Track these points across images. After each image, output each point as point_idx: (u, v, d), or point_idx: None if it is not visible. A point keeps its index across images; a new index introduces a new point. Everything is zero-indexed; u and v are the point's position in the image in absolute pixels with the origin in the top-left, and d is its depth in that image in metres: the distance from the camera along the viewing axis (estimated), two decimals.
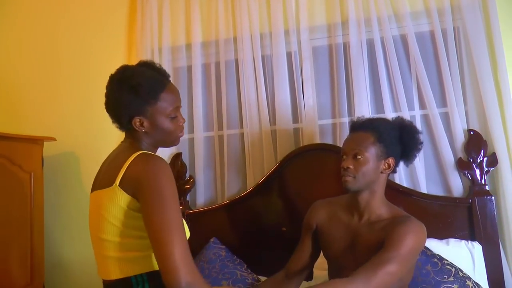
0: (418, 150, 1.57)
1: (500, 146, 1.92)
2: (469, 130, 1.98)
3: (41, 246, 2.24)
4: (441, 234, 1.89)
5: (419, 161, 2.00)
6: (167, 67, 2.34)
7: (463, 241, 1.86)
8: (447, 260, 1.72)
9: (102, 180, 1.24)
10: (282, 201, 2.12)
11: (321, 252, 1.67)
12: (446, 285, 1.63)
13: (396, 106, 2.08)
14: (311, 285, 1.36)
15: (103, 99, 1.28)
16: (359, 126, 1.55)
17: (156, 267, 1.12)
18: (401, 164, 1.65)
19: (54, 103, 2.55)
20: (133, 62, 2.37)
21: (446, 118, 2.03)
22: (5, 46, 2.67)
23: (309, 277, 1.90)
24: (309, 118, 2.16)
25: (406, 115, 2.03)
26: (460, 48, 2.07)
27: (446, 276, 1.66)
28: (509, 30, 2.01)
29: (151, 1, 2.37)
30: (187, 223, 2.15)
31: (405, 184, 2.01)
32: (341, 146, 2.05)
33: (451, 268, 1.69)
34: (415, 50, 2.05)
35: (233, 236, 2.16)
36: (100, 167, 1.31)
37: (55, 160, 2.47)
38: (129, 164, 1.17)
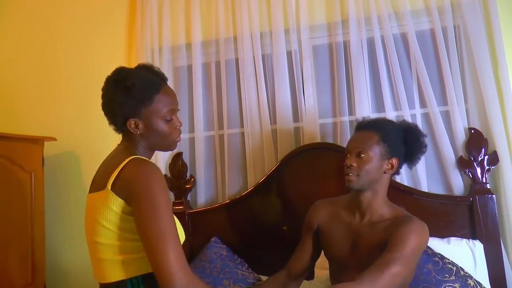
0: (422, 153, 1.57)
1: (501, 144, 1.91)
2: (470, 129, 1.98)
3: (42, 246, 2.24)
4: (442, 232, 1.89)
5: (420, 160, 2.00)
6: (167, 66, 2.35)
7: (464, 240, 1.86)
8: (448, 259, 1.72)
9: (97, 183, 1.24)
10: (283, 200, 2.12)
11: (322, 251, 1.67)
12: (447, 284, 1.63)
13: (396, 105, 2.08)
14: None
15: None
16: (364, 126, 1.56)
17: (151, 269, 1.13)
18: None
19: (54, 103, 2.55)
20: (133, 61, 2.40)
21: (447, 117, 2.02)
22: (5, 46, 2.67)
23: (310, 276, 1.90)
24: (310, 117, 2.16)
25: (406, 113, 2.02)
26: (461, 46, 2.06)
27: (447, 275, 1.65)
28: (510, 28, 2.00)
29: (151, 1, 2.37)
30: (188, 222, 2.20)
31: (406, 183, 2.01)
32: (341, 145, 2.08)
33: (452, 267, 1.69)
34: (415, 48, 2.04)
35: (234, 236, 2.16)
36: (98, 169, 1.31)
37: (56, 160, 2.47)
38: (122, 168, 1.17)
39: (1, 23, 2.69)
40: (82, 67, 2.52)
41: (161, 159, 2.28)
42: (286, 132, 2.17)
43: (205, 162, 2.29)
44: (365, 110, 2.06)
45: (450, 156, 1.98)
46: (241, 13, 2.25)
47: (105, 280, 1.20)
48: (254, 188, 2.14)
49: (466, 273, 1.69)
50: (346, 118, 2.13)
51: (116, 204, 1.15)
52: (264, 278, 1.91)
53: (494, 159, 1.93)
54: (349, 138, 2.08)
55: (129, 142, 1.28)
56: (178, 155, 2.29)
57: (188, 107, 2.34)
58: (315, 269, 1.88)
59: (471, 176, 1.95)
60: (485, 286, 1.70)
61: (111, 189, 1.15)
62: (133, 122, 1.23)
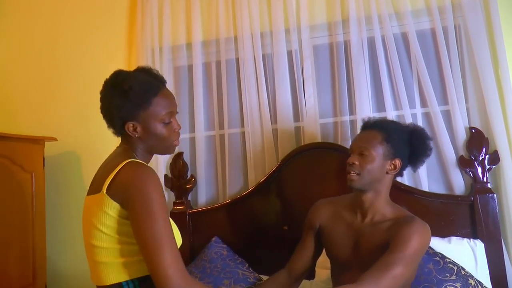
0: (427, 156, 1.57)
1: (501, 143, 1.91)
2: (471, 128, 1.98)
3: (43, 246, 2.24)
4: (443, 232, 1.89)
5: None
6: (167, 66, 2.35)
7: (465, 239, 1.86)
8: (449, 259, 1.72)
9: (94, 186, 1.24)
10: (284, 200, 2.12)
11: (323, 250, 1.67)
12: (448, 283, 1.63)
13: (397, 104, 2.08)
14: None
15: None
16: (369, 126, 1.57)
17: (147, 272, 1.14)
18: None
19: (55, 102, 2.55)
20: (134, 61, 2.40)
21: (448, 116, 2.02)
22: (5, 46, 2.67)
23: (311, 276, 1.90)
24: (310, 116, 2.15)
25: (407, 113, 2.03)
26: (461, 46, 2.06)
27: (448, 275, 1.65)
28: (510, 28, 2.00)
29: (151, 0, 2.37)
30: (188, 222, 2.20)
31: (406, 183, 2.01)
32: (342, 144, 2.08)
33: (453, 266, 1.68)
34: (416, 48, 2.04)
35: (234, 235, 2.16)
36: (97, 171, 1.30)
37: (56, 160, 2.47)
38: (118, 171, 1.17)
39: (1, 23, 2.69)
40: (83, 67, 2.52)
41: (162, 159, 2.28)
42: (287, 132, 2.17)
43: (205, 162, 2.29)
44: (366, 109, 2.06)
45: (451, 156, 1.98)
46: (242, 12, 2.24)
47: (102, 283, 1.20)
48: (254, 188, 2.14)
49: (467, 272, 1.69)
50: (347, 118, 2.13)
51: (111, 207, 1.15)
52: (264, 277, 1.91)
53: (495, 158, 1.93)
54: (349, 137, 2.11)
55: (127, 145, 1.28)
56: (179, 155, 2.29)
57: (188, 107, 2.34)
58: (316, 269, 1.88)
59: (472, 175, 1.95)
60: (486, 285, 1.70)
61: (106, 193, 1.15)
62: (131, 125, 1.23)
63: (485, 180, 1.93)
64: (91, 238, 1.19)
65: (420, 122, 2.05)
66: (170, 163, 2.29)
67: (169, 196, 2.31)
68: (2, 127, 2.48)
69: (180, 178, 2.27)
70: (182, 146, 2.32)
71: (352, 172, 1.48)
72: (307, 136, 2.15)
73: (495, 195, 1.89)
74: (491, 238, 1.86)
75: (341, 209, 1.60)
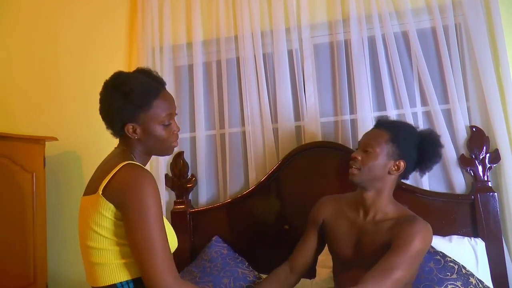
0: (435, 162, 1.58)
1: (502, 142, 1.91)
2: (471, 127, 1.97)
3: (44, 246, 2.24)
4: (444, 231, 1.88)
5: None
6: (168, 66, 2.34)
7: (466, 238, 1.86)
8: (450, 257, 1.72)
9: (90, 186, 1.24)
10: (284, 199, 2.12)
11: (325, 248, 1.67)
12: (449, 282, 1.63)
13: (398, 103, 2.08)
14: None
15: None
16: (379, 124, 1.59)
17: None
18: None
19: (55, 102, 2.55)
20: (134, 61, 2.40)
21: (448, 115, 2.02)
22: (5, 46, 2.67)
23: (312, 275, 1.90)
24: (311, 116, 2.15)
25: (408, 112, 2.02)
26: (462, 45, 2.06)
27: (449, 273, 1.65)
28: (511, 26, 2.00)
29: (151, 0, 2.36)
30: (189, 222, 2.20)
31: (407, 182, 2.01)
32: (343, 143, 2.08)
33: (454, 265, 1.68)
34: (416, 47, 2.04)
35: (235, 235, 2.16)
36: (94, 172, 1.30)
37: (57, 160, 2.47)
38: (114, 173, 1.17)
39: (1, 23, 2.69)
40: (83, 67, 2.52)
41: (162, 159, 2.28)
42: (287, 131, 2.17)
43: (206, 161, 2.29)
44: (366, 108, 2.06)
45: (451, 154, 1.98)
46: (242, 12, 2.24)
47: (97, 284, 1.20)
48: (255, 187, 2.14)
49: (468, 271, 1.69)
50: (347, 117, 2.13)
51: (106, 209, 1.15)
52: (264, 276, 1.91)
53: (495, 157, 1.93)
54: (350, 136, 2.11)
55: (126, 146, 1.28)
56: (180, 154, 2.28)
57: (189, 107, 2.34)
58: (317, 268, 1.88)
59: (472, 174, 1.95)
60: (487, 284, 1.70)
61: (102, 194, 1.16)
62: (131, 127, 1.24)
63: (485, 179, 1.93)
64: (86, 239, 1.20)
65: (420, 121, 2.05)
66: (171, 163, 2.29)
67: (169, 195, 2.31)
68: (2, 127, 2.48)
69: (181, 178, 2.27)
70: (183, 145, 2.32)
71: (354, 166, 1.50)
72: (308, 135, 2.15)
73: (496, 193, 1.89)
74: (492, 237, 1.86)
75: (344, 207, 1.61)
